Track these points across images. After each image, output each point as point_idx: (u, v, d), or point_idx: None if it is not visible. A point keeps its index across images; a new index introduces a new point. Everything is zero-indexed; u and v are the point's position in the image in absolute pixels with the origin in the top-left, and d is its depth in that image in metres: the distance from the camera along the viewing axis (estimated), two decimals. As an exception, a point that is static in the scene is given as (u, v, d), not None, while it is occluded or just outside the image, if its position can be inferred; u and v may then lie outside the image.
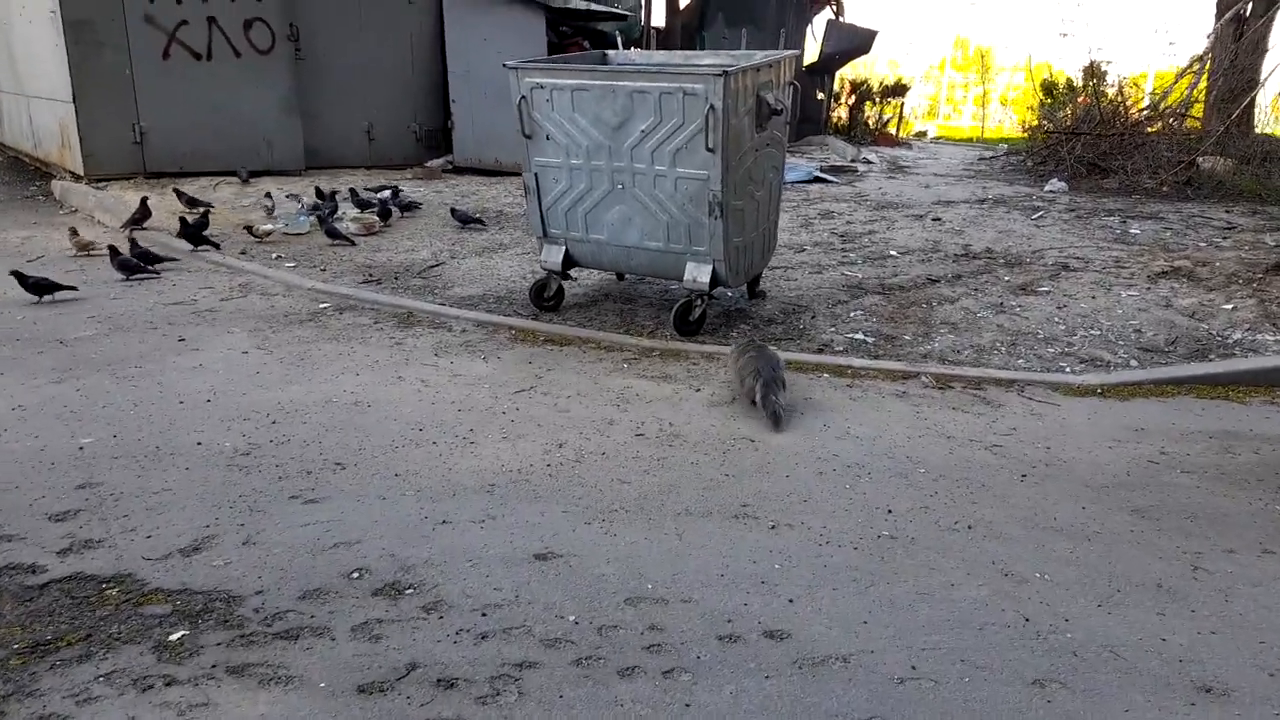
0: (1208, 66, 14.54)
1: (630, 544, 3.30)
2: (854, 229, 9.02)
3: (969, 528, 3.49)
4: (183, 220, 7.49)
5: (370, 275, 7.00)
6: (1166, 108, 14.69)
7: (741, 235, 5.71)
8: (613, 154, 5.57)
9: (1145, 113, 14.72)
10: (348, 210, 8.82)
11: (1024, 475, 3.95)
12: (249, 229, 7.95)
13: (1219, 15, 14.16)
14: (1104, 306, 6.45)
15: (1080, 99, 17.01)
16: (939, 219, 9.51)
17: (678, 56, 7.12)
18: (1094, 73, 18.95)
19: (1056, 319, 6.20)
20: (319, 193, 9.07)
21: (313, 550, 3.21)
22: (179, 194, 8.61)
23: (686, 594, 3.02)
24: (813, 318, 6.19)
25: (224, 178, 10.06)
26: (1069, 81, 18.90)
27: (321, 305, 6.21)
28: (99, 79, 9.39)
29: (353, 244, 7.92)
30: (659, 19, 15.96)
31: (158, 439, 4.06)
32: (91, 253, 7.28)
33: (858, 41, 17.03)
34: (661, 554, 3.25)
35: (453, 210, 8.78)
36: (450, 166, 11.86)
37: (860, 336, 5.85)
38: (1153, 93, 16.86)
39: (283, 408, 4.43)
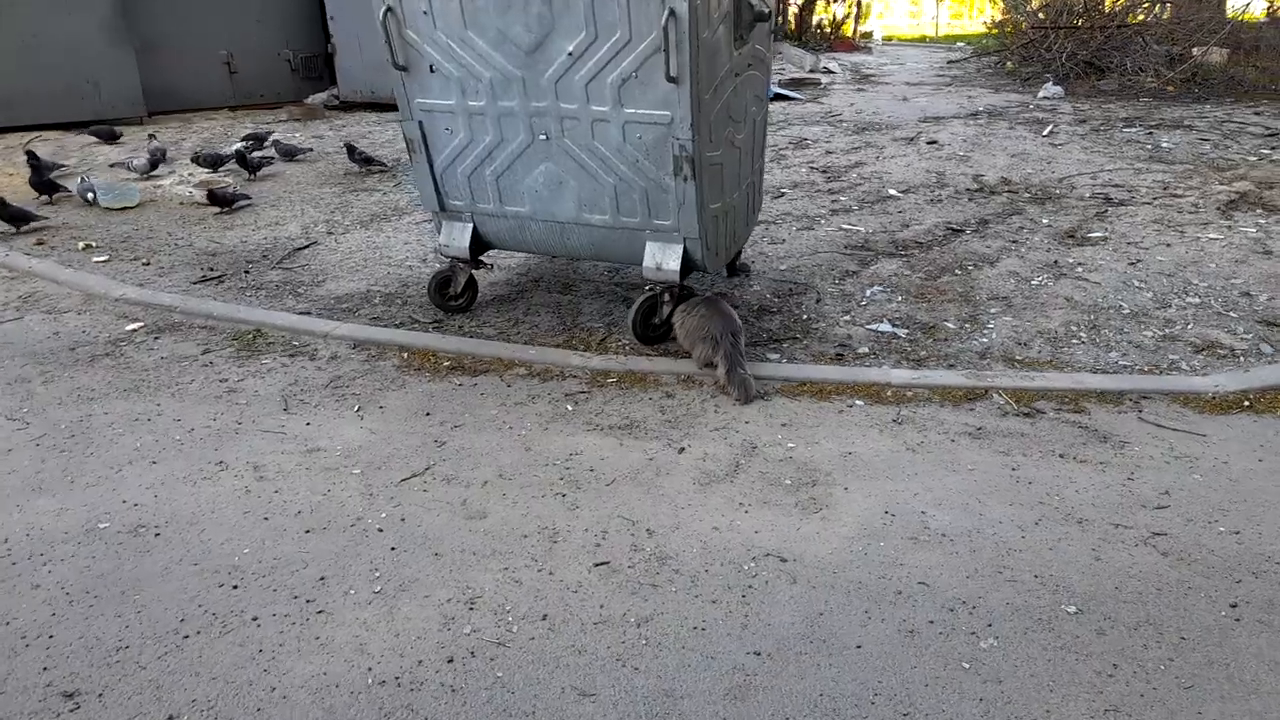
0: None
1: None
2: (837, 161, 7.35)
3: (1207, 762, 1.96)
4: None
5: (211, 269, 5.14)
6: (1145, -6, 13.17)
7: (721, 199, 4.01)
8: (529, 90, 3.79)
9: (1123, 2, 13.16)
10: (192, 173, 6.86)
11: (1233, 605, 2.43)
12: None
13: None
14: (1188, 259, 4.95)
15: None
16: (934, 141, 7.89)
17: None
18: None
19: (1136, 282, 4.67)
20: (38, 164, 6.40)
21: None
22: None
23: None
24: (818, 301, 4.56)
25: (39, 132, 7.93)
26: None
27: (130, 326, 4.38)
28: None
29: (41, 223, 5.73)
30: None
31: None
32: None
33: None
34: None
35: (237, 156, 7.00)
36: (336, 102, 9.81)
37: (888, 328, 4.25)
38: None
39: (9, 551, 2.69)
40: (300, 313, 4.49)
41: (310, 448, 3.27)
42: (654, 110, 3.63)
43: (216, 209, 6.17)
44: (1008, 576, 2.52)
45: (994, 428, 3.36)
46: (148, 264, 5.21)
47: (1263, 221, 5.48)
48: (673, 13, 3.37)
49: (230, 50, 9.21)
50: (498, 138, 3.98)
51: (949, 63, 13.81)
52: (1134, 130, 8.13)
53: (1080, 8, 12.57)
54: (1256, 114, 8.69)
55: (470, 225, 4.30)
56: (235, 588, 2.52)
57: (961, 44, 17.73)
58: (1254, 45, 12.60)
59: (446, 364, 3.96)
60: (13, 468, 3.13)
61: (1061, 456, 3.16)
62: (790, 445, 3.25)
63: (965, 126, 8.52)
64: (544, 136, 3.90)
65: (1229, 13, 13.79)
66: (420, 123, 4.08)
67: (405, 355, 4.03)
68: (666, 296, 4.05)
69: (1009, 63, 12.51)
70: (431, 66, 3.91)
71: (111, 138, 7.71)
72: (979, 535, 2.71)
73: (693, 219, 3.81)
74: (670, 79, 3.49)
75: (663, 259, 3.94)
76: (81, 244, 5.51)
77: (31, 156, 6.36)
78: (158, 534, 2.76)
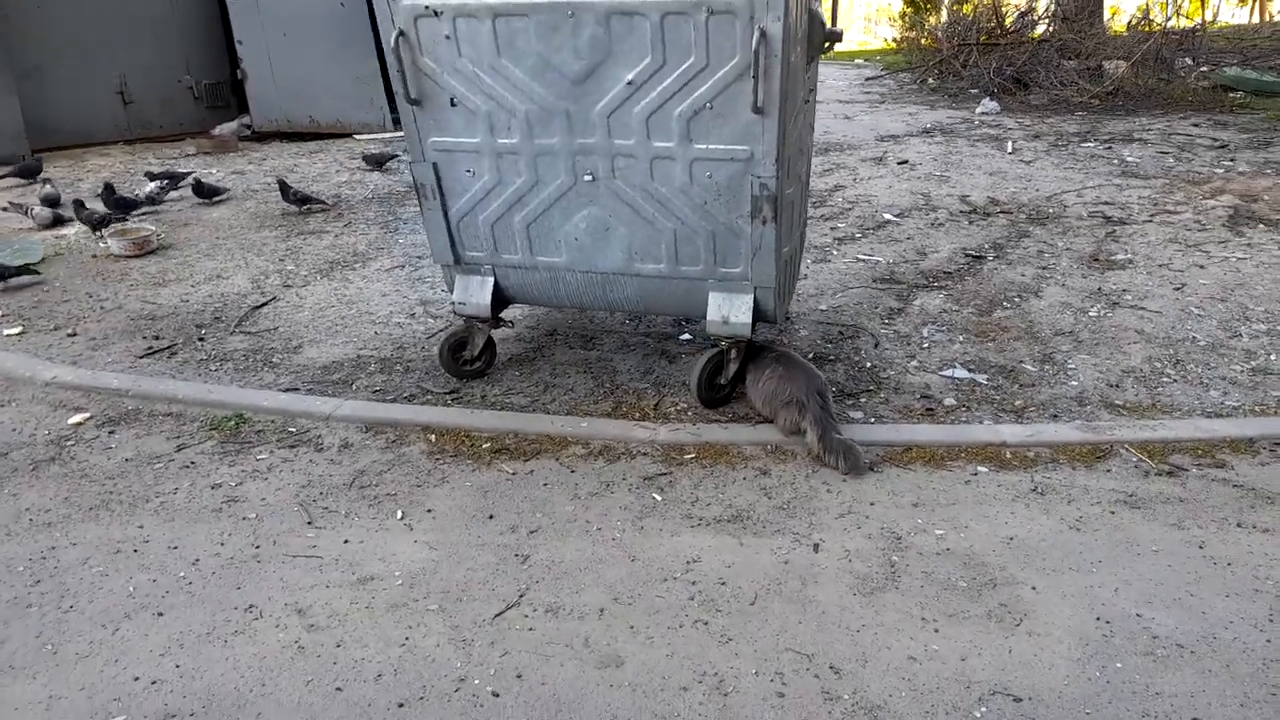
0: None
1: None
2: (814, 184, 7.00)
3: None
4: None
5: (156, 336, 4.33)
6: (1050, 10, 13.51)
7: (790, 240, 3.54)
8: (574, 125, 3.22)
9: (1024, 19, 13.44)
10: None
11: None
12: None
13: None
14: (1230, 281, 4.77)
15: (952, 4, 15.71)
16: (905, 161, 7.66)
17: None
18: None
19: (1194, 309, 4.45)
20: None
21: None
22: None
23: None
24: (875, 345, 4.14)
25: (-99, 177, 6.78)
26: (930, -12, 17.57)
27: (74, 419, 3.55)
28: None
29: None
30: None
31: None
32: None
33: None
34: None
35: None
36: (249, 132, 8.88)
37: (964, 374, 3.87)
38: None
39: (-9, 780, 1.94)
40: (286, 390, 3.76)
41: (360, 576, 2.60)
42: (731, 145, 3.12)
43: (154, 243, 5.24)
44: (1289, 704, 2.12)
45: (1146, 493, 2.99)
46: (74, 334, 4.35)
47: (1276, 236, 5.40)
48: (764, 34, 2.88)
49: (123, 77, 8.17)
50: (532, 180, 3.39)
51: (866, 79, 13.80)
52: (1092, 145, 8.12)
53: (986, 24, 12.80)
54: (1195, 126, 8.86)
55: (491, 279, 3.69)
56: (335, 811, 1.86)
57: (861, 60, 17.87)
58: (1144, 58, 13.03)
59: (486, 446, 3.33)
60: (-36, 641, 2.35)
61: (1239, 526, 2.81)
62: (939, 532, 2.78)
63: (926, 144, 8.35)
64: (589, 178, 3.33)
65: (1113, 28, 14.37)
66: (435, 164, 3.45)
67: (433, 438, 3.38)
68: (733, 353, 3.55)
69: (929, 79, 12.57)
70: (453, 100, 3.29)
71: (34, 173, 6.74)
72: (1218, 642, 2.30)
73: (769, 266, 3.32)
74: (756, 110, 3.00)
75: (730, 311, 3.43)
76: (-16, 313, 4.58)
77: None
78: (198, 731, 2.06)
